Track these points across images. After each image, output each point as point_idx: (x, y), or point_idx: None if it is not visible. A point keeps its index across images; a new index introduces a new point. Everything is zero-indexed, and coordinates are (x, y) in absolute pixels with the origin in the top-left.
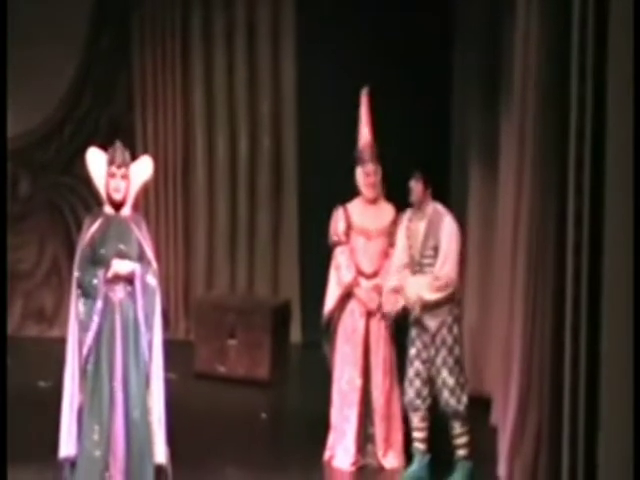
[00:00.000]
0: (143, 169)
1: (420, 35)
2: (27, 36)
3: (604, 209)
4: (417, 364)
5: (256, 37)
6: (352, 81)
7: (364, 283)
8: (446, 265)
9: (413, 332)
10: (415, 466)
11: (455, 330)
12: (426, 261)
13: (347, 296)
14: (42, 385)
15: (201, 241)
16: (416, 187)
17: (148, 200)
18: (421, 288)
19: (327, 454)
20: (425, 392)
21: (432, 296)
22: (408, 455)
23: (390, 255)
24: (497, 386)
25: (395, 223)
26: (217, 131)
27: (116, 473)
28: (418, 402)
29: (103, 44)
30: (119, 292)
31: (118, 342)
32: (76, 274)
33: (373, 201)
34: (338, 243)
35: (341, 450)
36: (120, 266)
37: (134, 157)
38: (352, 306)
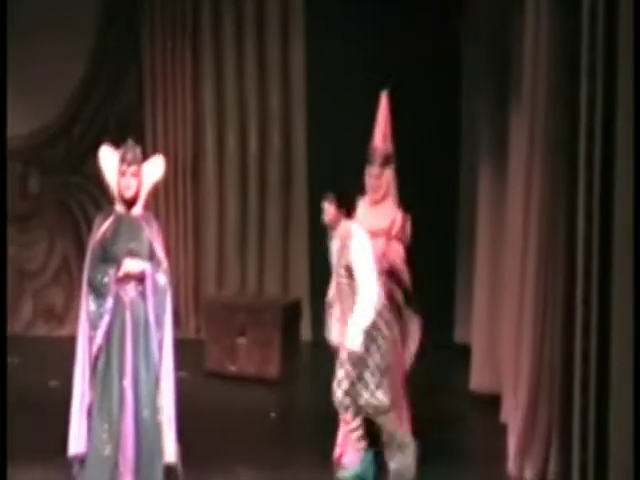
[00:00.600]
0: (154, 169)
1: (430, 30)
2: (35, 33)
3: (614, 204)
4: (347, 366)
5: (266, 31)
6: (362, 75)
7: None
8: (364, 287)
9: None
10: (363, 465)
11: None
12: (342, 280)
13: None
14: (52, 384)
15: (211, 239)
16: (329, 209)
17: (158, 197)
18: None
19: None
20: (352, 392)
21: (363, 321)
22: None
23: (387, 256)
24: (507, 384)
25: (394, 221)
26: (227, 127)
27: (126, 472)
28: (347, 401)
29: (112, 40)
30: (130, 291)
31: (128, 341)
32: (87, 272)
33: (377, 202)
34: None
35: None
36: (131, 265)
37: (144, 154)
38: None
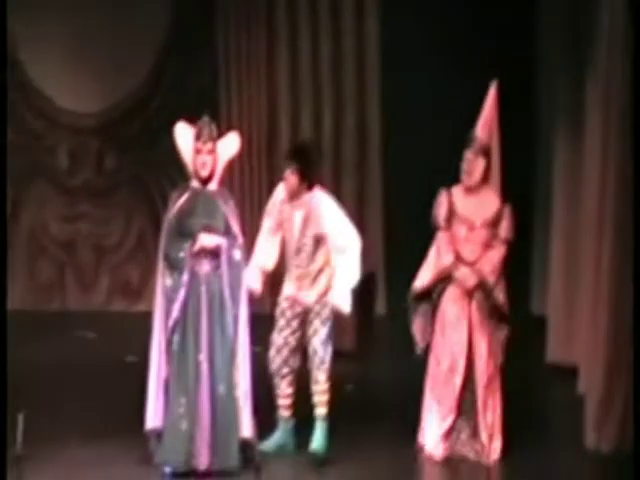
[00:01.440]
0: (230, 146)
1: (505, 7)
2: (111, 14)
3: None
4: (286, 333)
5: (340, 11)
6: (437, 55)
7: (463, 268)
8: (351, 249)
9: (284, 304)
10: (280, 433)
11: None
12: (305, 247)
13: (446, 280)
14: (130, 360)
15: None
16: (291, 178)
17: (233, 174)
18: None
19: (419, 437)
20: (292, 361)
21: (353, 280)
22: (505, 443)
23: (491, 246)
24: (584, 354)
25: (499, 214)
26: (301, 106)
27: (202, 446)
28: (286, 370)
29: (188, 18)
30: (205, 265)
31: (204, 315)
32: (163, 247)
33: (473, 189)
34: (439, 228)
35: (431, 434)
36: (207, 239)
37: (218, 130)
38: (453, 291)
